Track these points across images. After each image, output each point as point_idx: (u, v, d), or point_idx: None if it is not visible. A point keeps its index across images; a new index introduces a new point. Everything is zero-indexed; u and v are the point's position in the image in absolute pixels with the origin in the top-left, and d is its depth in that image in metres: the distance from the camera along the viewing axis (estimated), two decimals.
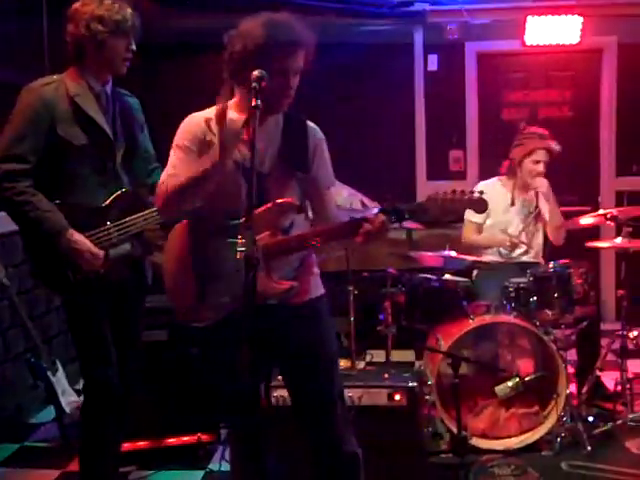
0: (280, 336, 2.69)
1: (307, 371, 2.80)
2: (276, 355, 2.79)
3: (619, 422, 4.18)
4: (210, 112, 2.71)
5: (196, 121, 2.72)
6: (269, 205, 2.61)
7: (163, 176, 2.68)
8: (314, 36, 2.67)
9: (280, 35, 2.57)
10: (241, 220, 2.58)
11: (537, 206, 4.77)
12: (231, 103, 2.72)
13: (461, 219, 4.67)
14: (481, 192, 2.53)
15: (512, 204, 4.77)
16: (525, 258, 4.77)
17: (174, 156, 2.70)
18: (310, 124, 2.82)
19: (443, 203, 2.49)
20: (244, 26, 2.61)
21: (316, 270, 2.88)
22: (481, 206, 2.51)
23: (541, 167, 4.68)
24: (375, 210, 2.57)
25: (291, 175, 2.72)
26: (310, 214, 2.89)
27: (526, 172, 4.72)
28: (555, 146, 4.69)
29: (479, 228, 4.86)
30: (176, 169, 2.65)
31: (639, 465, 3.83)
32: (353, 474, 2.82)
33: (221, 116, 2.53)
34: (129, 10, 3.08)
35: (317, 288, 2.86)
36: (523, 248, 4.75)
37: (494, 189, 4.80)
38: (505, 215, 4.78)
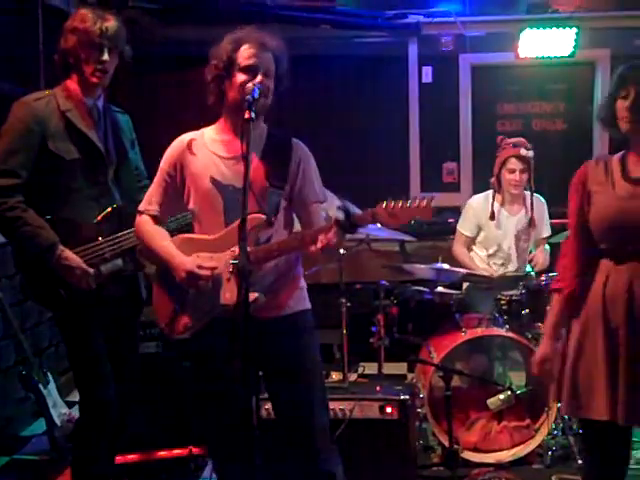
0: (257, 349, 2.69)
1: (284, 385, 2.81)
2: (258, 367, 2.81)
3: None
4: (198, 133, 2.80)
5: (178, 143, 2.82)
6: (239, 220, 2.64)
7: (143, 203, 2.87)
8: (280, 42, 2.76)
9: (243, 38, 2.70)
10: (210, 236, 2.73)
11: (532, 223, 4.72)
12: (211, 127, 2.84)
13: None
14: (431, 199, 2.51)
15: (492, 218, 4.72)
16: (517, 273, 4.74)
17: (156, 177, 2.86)
18: (295, 141, 2.85)
19: (393, 210, 2.48)
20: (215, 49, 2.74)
21: (301, 284, 2.89)
22: (428, 214, 2.50)
23: (517, 176, 4.60)
24: (331, 218, 2.59)
25: (265, 189, 2.73)
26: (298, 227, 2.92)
27: (506, 183, 4.69)
28: (525, 152, 4.58)
29: (469, 241, 4.82)
30: (152, 196, 2.85)
31: (630, 478, 3.82)
32: None
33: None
34: (111, 23, 3.06)
35: (299, 302, 2.86)
36: (513, 267, 4.73)
37: (486, 202, 4.78)
38: (497, 229, 4.76)
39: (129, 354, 3.36)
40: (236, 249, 2.55)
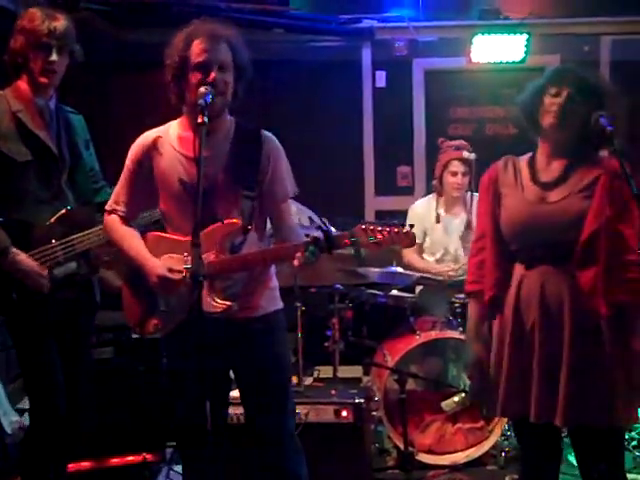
0: (231, 351, 2.69)
1: (257, 386, 2.80)
2: (231, 369, 2.82)
3: (563, 435, 4.22)
4: (163, 129, 2.75)
5: (143, 140, 2.77)
6: (214, 226, 2.63)
7: (110, 202, 2.82)
8: (234, 30, 2.72)
9: (193, 33, 2.64)
10: (183, 237, 2.65)
11: (469, 225, 4.68)
12: (176, 121, 2.78)
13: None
14: (411, 226, 2.56)
15: (437, 221, 4.74)
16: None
17: (122, 175, 2.81)
18: (265, 134, 2.80)
19: (375, 236, 2.53)
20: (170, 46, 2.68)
21: (273, 284, 2.87)
22: (408, 242, 2.56)
23: (459, 179, 4.66)
24: (310, 236, 2.58)
25: (237, 192, 2.70)
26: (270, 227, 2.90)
27: (448, 186, 4.73)
28: (467, 154, 4.64)
29: (419, 248, 4.84)
30: (119, 195, 2.80)
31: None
32: None
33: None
34: (60, 22, 3.02)
35: (272, 302, 2.84)
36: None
37: (429, 207, 4.81)
38: (441, 233, 4.80)
39: (82, 360, 3.30)
40: (210, 254, 2.57)
